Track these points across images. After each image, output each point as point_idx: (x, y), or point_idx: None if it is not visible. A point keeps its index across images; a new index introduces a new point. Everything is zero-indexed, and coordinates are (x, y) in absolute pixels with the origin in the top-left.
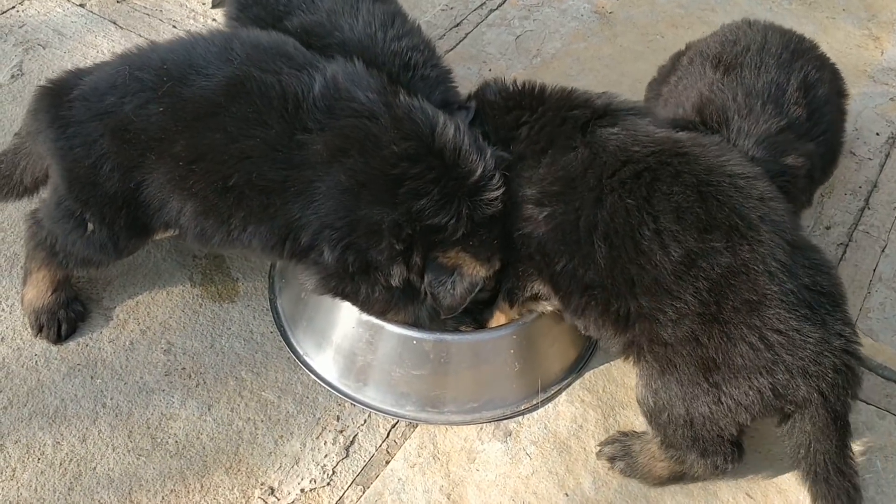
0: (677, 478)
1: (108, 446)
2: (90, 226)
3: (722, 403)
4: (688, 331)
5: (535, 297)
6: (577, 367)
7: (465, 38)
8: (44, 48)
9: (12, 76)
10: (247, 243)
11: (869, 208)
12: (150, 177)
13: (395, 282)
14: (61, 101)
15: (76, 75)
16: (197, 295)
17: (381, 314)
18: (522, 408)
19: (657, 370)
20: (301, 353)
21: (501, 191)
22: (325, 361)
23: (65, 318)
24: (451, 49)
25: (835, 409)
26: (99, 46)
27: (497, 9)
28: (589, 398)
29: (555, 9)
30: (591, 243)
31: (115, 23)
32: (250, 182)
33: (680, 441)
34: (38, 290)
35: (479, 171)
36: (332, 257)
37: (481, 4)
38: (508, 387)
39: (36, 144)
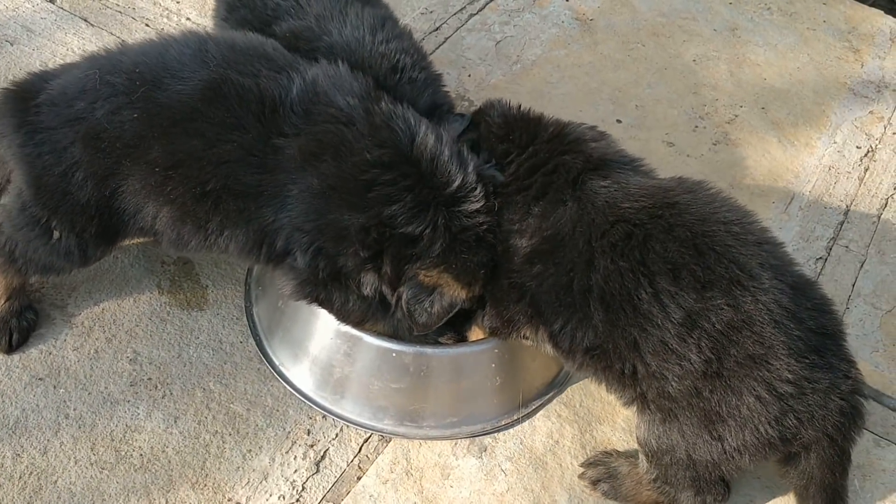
0: None
1: (70, 459)
2: (56, 233)
3: (726, 452)
4: (690, 385)
5: (522, 338)
6: (559, 382)
7: (444, 42)
8: (11, 45)
9: None
10: (224, 247)
11: (848, 222)
12: (125, 183)
13: (366, 291)
14: (27, 105)
15: (42, 78)
16: (165, 302)
17: (358, 324)
18: (503, 423)
19: (659, 418)
20: (276, 363)
21: (482, 204)
22: (301, 373)
23: (17, 327)
24: (431, 53)
25: (841, 447)
26: (69, 44)
27: (477, 13)
28: (566, 413)
29: (535, 15)
30: (588, 306)
31: (86, 20)
32: (227, 187)
33: (679, 481)
34: None
35: (458, 181)
36: (303, 262)
37: (461, 9)
38: (489, 401)
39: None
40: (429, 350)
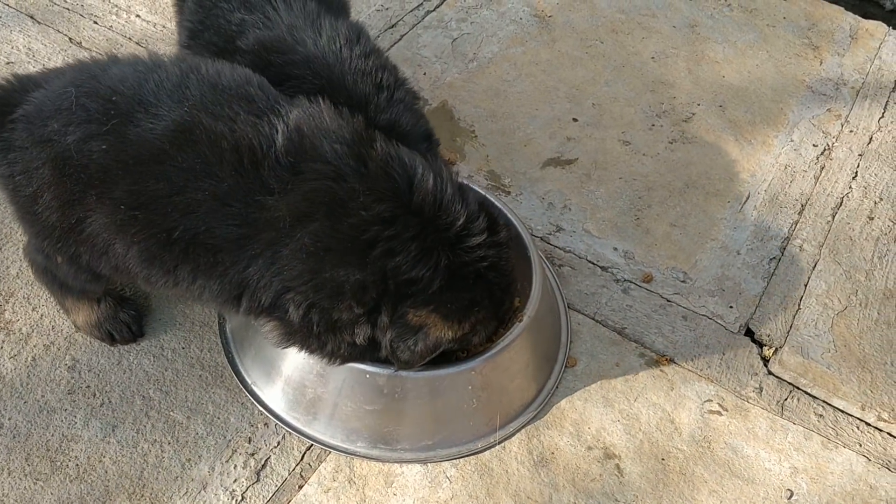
0: None
1: (2, 470)
2: (59, 258)
3: None
4: None
5: None
6: (538, 405)
7: (399, 39)
8: None
9: None
10: (197, 296)
11: (802, 222)
12: (91, 217)
13: (359, 340)
14: (3, 120)
15: (23, 87)
16: None
17: (344, 363)
18: (479, 446)
19: None
20: (249, 382)
21: (484, 238)
22: (273, 393)
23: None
24: (386, 51)
25: None
26: (14, 42)
27: (434, 10)
28: None
29: (493, 11)
30: None
31: (32, 17)
32: (196, 238)
33: None
34: None
35: (462, 219)
36: (297, 316)
37: (418, 5)
38: (465, 424)
39: None
40: (403, 371)
